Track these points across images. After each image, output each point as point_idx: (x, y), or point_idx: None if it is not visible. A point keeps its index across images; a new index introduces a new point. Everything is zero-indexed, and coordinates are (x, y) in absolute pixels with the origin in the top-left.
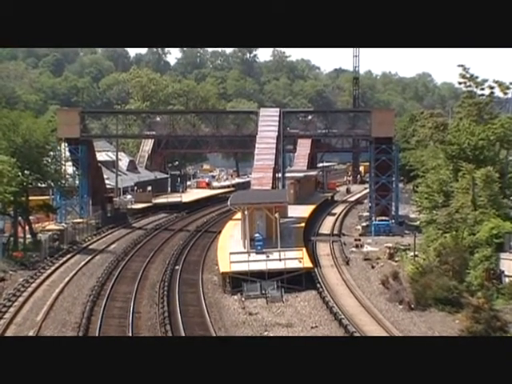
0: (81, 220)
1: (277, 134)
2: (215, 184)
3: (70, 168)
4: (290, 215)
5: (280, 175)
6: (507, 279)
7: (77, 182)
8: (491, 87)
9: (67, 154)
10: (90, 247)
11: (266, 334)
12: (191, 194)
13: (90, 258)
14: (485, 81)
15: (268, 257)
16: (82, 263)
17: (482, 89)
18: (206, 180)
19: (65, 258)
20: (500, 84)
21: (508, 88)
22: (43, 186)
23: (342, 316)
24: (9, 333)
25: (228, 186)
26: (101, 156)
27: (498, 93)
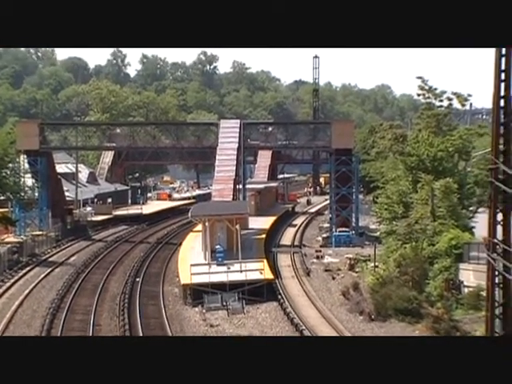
0: (40, 232)
1: (237, 145)
2: (176, 196)
3: (29, 180)
4: (250, 227)
5: (241, 187)
6: (466, 289)
7: (36, 194)
8: (449, 99)
9: (26, 165)
10: (50, 260)
11: None
12: (152, 206)
13: (49, 270)
14: (443, 92)
15: (229, 268)
16: (42, 276)
17: (441, 100)
18: (167, 192)
19: (24, 271)
20: (458, 96)
21: (466, 100)
22: (2, 198)
23: (303, 327)
24: None
25: (189, 198)
26: (60, 168)
27: (456, 104)
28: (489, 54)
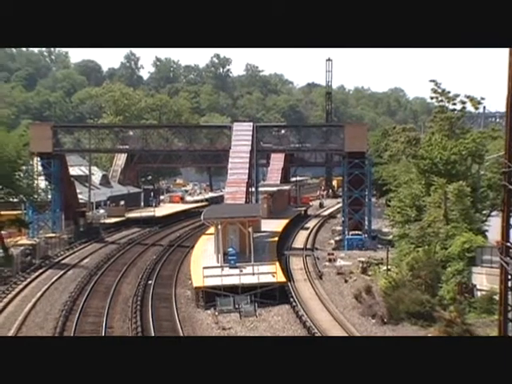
0: (53, 234)
1: (250, 148)
2: (188, 198)
3: (42, 182)
4: (263, 229)
5: (253, 189)
6: (479, 293)
7: (49, 196)
8: (463, 102)
9: (39, 168)
10: (63, 262)
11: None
12: (164, 209)
13: (62, 272)
14: (456, 96)
15: (241, 271)
16: (55, 278)
17: (454, 104)
18: (180, 194)
19: (37, 273)
20: (471, 99)
21: (479, 103)
22: (15, 200)
23: (316, 330)
24: None
25: (201, 201)
26: (73, 170)
27: (469, 108)
28: (503, 56)
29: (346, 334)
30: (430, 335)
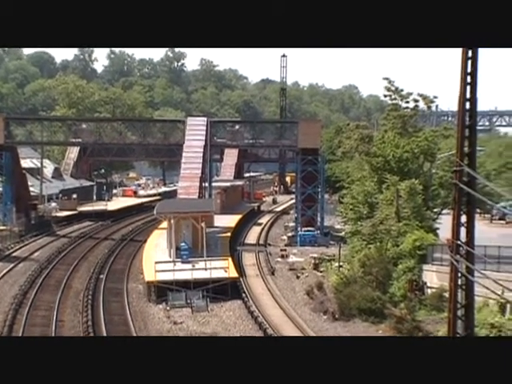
0: (4, 227)
1: (204, 143)
2: (141, 192)
3: None
4: (216, 225)
5: (207, 184)
6: (429, 290)
7: (0, 188)
8: (416, 100)
9: None
10: (13, 255)
11: None
12: (117, 203)
13: (12, 265)
14: (409, 94)
15: (194, 266)
16: (5, 271)
17: (407, 102)
18: (133, 188)
19: None
20: (424, 97)
21: (432, 101)
22: None
23: (267, 326)
24: None
25: (154, 195)
26: (25, 163)
27: (422, 106)
28: (455, 56)
29: (298, 330)
30: (420, 335)
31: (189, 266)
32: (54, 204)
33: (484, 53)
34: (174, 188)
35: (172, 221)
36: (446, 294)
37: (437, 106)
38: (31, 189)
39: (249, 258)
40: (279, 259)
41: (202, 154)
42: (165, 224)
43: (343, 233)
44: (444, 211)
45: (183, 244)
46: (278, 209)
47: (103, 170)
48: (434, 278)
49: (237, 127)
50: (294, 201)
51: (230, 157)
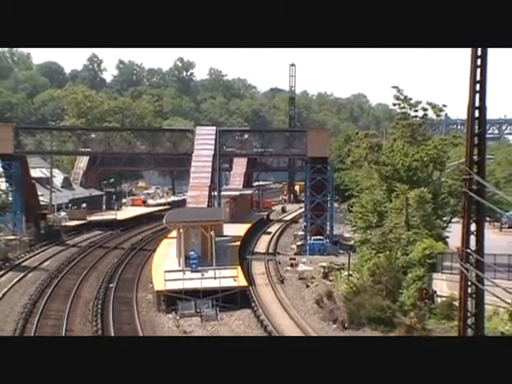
0: (14, 237)
1: (213, 152)
2: (151, 202)
3: (3, 184)
4: (225, 233)
5: (216, 193)
6: (439, 299)
7: (10, 198)
8: (424, 109)
9: (0, 169)
10: (23, 264)
11: None
12: (126, 212)
13: (22, 275)
14: (418, 102)
15: (203, 275)
16: (15, 280)
17: (416, 110)
18: (142, 198)
19: None
20: (433, 106)
21: (441, 110)
22: None
23: (277, 335)
24: None
25: (164, 204)
26: (35, 172)
27: (431, 114)
28: (464, 64)
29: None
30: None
31: (198, 274)
32: (63, 213)
33: (493, 61)
34: (183, 197)
35: (181, 230)
36: (456, 303)
37: (446, 115)
38: (41, 198)
39: (258, 267)
40: (288, 268)
41: (211, 163)
42: (174, 233)
43: (352, 241)
44: (454, 220)
45: (192, 253)
46: (288, 218)
47: (112, 180)
48: (444, 286)
49: (246, 136)
50: (303, 209)
51: (239, 166)
